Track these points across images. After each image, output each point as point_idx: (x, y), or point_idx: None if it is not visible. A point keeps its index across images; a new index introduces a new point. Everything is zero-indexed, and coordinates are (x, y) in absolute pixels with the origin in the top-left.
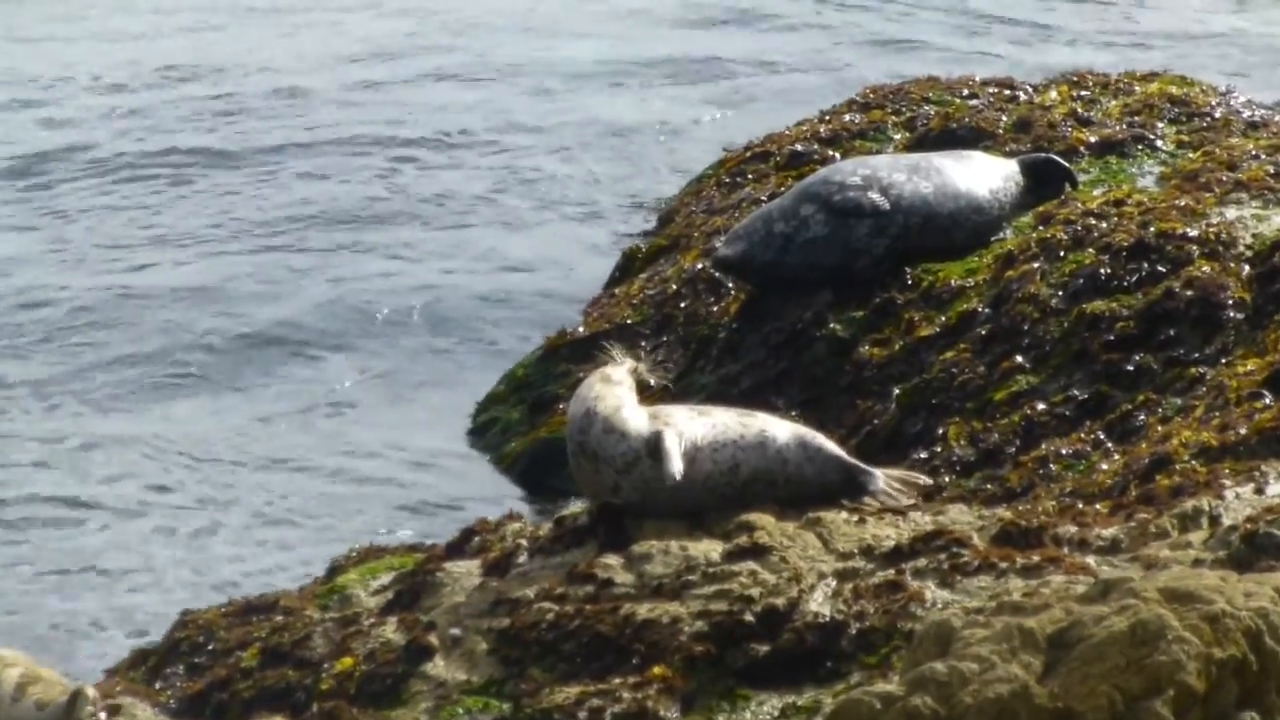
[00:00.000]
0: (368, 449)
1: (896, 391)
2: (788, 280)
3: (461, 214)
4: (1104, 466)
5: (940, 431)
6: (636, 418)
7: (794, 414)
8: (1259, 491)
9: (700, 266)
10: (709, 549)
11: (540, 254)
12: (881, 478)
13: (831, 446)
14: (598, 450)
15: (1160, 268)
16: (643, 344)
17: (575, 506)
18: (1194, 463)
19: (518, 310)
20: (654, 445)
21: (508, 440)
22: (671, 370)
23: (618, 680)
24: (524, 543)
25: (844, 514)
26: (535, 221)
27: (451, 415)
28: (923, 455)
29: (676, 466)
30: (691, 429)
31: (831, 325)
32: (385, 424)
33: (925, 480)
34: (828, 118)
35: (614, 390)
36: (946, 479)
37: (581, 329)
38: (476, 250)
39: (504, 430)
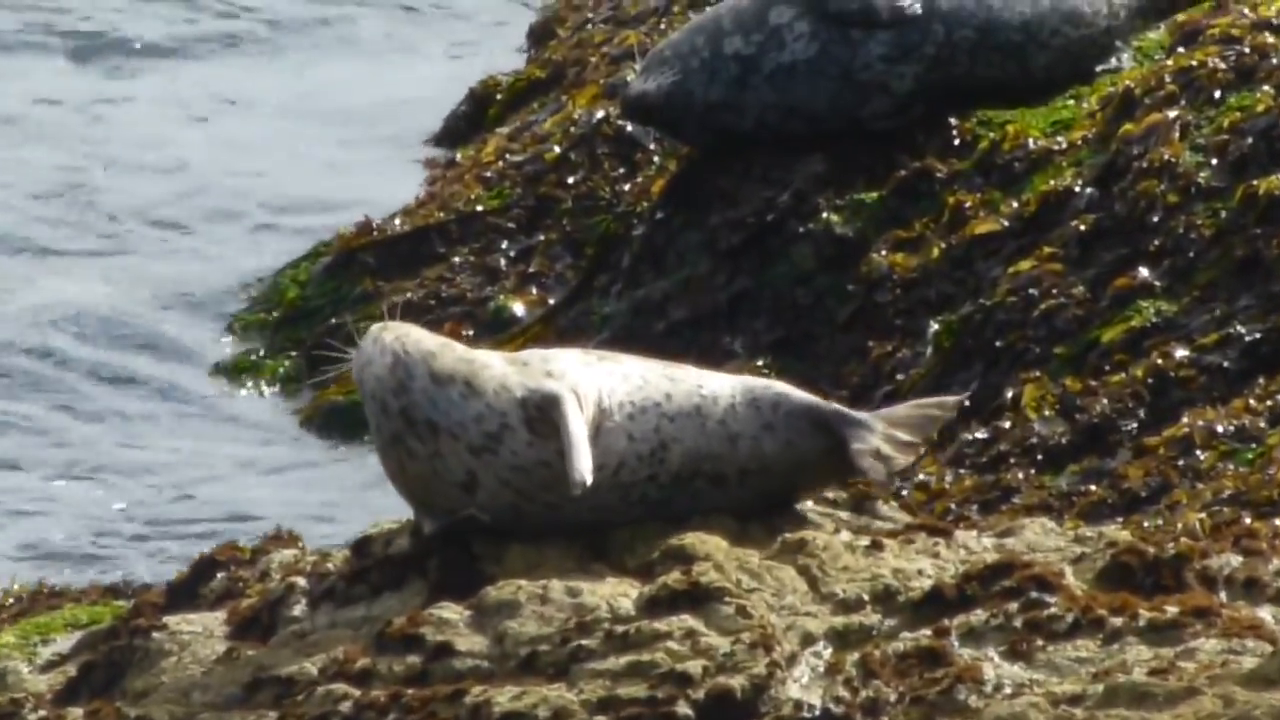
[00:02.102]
0: (39, 400)
1: (935, 327)
2: (748, 136)
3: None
4: None
5: (1010, 395)
6: (492, 361)
7: (761, 365)
8: None
9: (602, 114)
10: (616, 593)
11: (325, 84)
12: (881, 428)
13: (795, 393)
14: (433, 416)
15: None
16: (501, 248)
17: (388, 522)
18: None
19: (287, 183)
20: (541, 406)
21: (275, 403)
22: (554, 290)
23: None
24: (301, 582)
25: (844, 533)
26: (310, 32)
27: (180, 347)
28: (980, 435)
29: (585, 460)
30: (592, 381)
31: (824, 215)
32: (69, 360)
33: (943, 409)
34: None
35: (422, 331)
36: (1020, 474)
37: (399, 220)
38: (230, 86)
39: (267, 384)
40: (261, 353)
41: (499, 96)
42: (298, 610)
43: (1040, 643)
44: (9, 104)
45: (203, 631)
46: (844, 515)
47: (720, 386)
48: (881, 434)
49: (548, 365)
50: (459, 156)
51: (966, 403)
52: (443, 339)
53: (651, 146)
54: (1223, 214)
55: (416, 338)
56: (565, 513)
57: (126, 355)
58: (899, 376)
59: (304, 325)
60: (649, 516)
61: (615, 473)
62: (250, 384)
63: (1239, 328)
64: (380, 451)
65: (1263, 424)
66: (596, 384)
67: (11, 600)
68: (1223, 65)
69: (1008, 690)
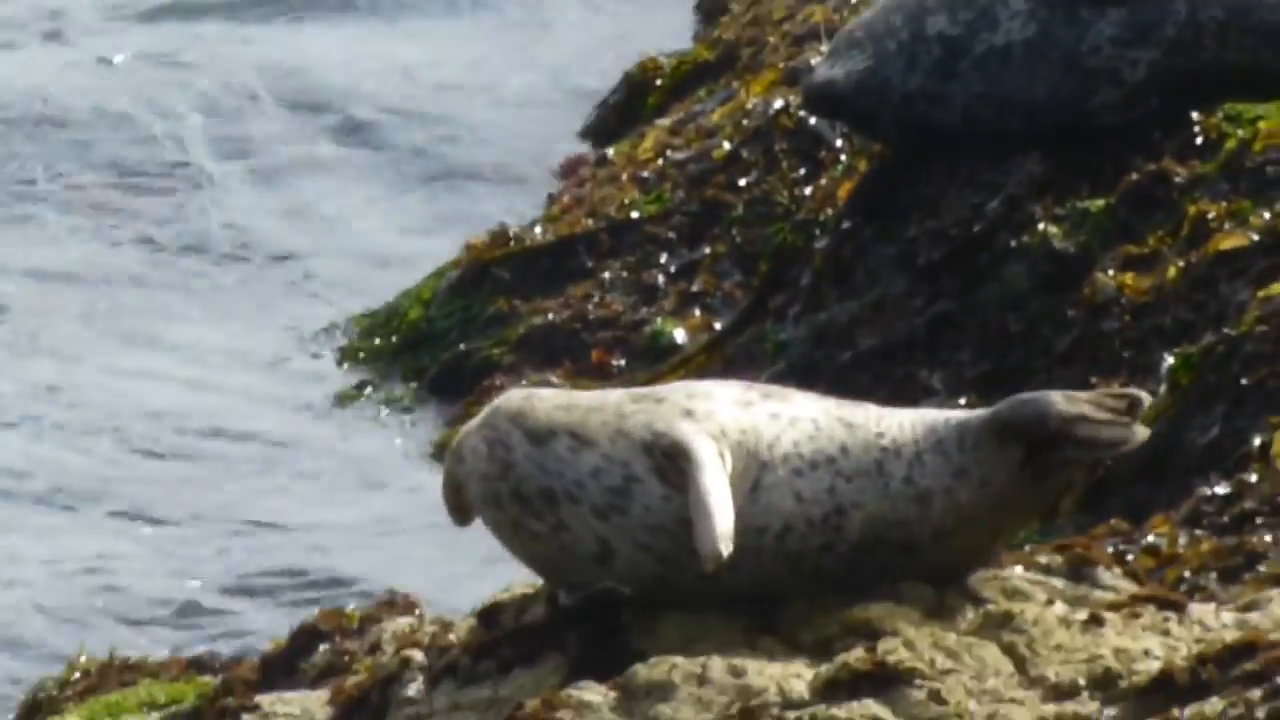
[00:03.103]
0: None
1: (1170, 361)
2: (953, 132)
3: None
4: None
5: (1258, 442)
6: (605, 402)
7: (963, 404)
8: None
9: (781, 104)
10: (788, 674)
11: (455, 75)
12: (1060, 397)
13: (971, 415)
14: (544, 482)
15: None
16: (660, 262)
17: (520, 586)
18: None
19: (411, 180)
20: (669, 453)
21: (389, 443)
22: (720, 312)
23: None
24: (418, 657)
25: (1058, 605)
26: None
27: (282, 383)
28: (1221, 490)
29: (720, 527)
30: (746, 425)
31: (1041, 226)
32: (138, 373)
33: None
34: None
35: (510, 393)
36: (1268, 537)
37: (539, 228)
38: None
39: (382, 411)
40: (376, 385)
41: (659, 82)
42: (413, 690)
43: None
44: None
45: (302, 714)
46: (1058, 583)
47: (901, 432)
48: (1064, 396)
49: (691, 403)
50: (611, 153)
51: (1146, 399)
52: (531, 390)
53: (839, 143)
54: None
55: (498, 404)
56: (723, 583)
57: (221, 396)
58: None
59: (427, 352)
60: (825, 589)
61: (780, 538)
62: (361, 421)
63: None
64: (506, 546)
65: None
66: (755, 429)
67: (78, 674)
68: None
69: None
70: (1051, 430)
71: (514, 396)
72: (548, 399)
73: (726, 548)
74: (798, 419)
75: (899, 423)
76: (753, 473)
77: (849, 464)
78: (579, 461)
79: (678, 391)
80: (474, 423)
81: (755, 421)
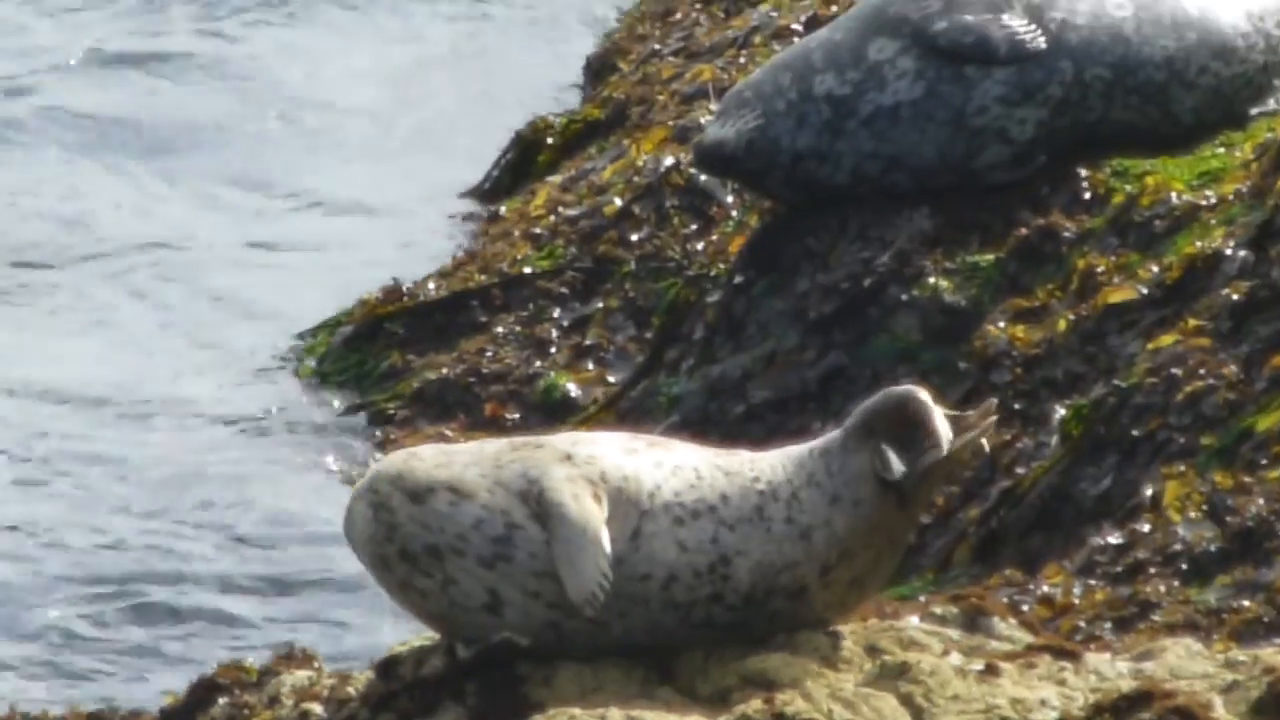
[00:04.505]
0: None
1: (1061, 413)
2: (842, 190)
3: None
4: None
5: (1149, 493)
6: (482, 455)
7: None
8: None
9: (671, 161)
10: None
11: (337, 118)
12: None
13: (828, 439)
14: (428, 539)
15: None
16: (552, 317)
17: (418, 638)
18: None
19: (309, 248)
20: (541, 499)
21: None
22: (614, 366)
23: None
24: (317, 710)
25: (954, 655)
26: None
27: (175, 417)
28: (1114, 540)
29: (588, 571)
30: (628, 472)
31: (931, 280)
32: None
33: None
34: None
35: (391, 456)
36: (1161, 586)
37: (433, 284)
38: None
39: (278, 464)
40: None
41: (550, 140)
42: None
43: None
44: None
45: None
46: (954, 634)
47: (774, 474)
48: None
49: (573, 449)
50: (504, 209)
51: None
52: (411, 451)
53: (729, 200)
54: None
55: (378, 468)
56: (616, 633)
57: (116, 430)
58: (1019, 470)
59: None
60: (720, 640)
61: (665, 588)
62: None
63: None
64: (401, 605)
65: None
66: (636, 476)
67: None
68: None
69: None
70: (895, 403)
71: (394, 459)
72: (427, 458)
73: (599, 591)
74: (680, 467)
75: (770, 465)
76: (633, 520)
77: (730, 512)
78: (459, 514)
79: (562, 438)
80: (358, 488)
81: (638, 469)
